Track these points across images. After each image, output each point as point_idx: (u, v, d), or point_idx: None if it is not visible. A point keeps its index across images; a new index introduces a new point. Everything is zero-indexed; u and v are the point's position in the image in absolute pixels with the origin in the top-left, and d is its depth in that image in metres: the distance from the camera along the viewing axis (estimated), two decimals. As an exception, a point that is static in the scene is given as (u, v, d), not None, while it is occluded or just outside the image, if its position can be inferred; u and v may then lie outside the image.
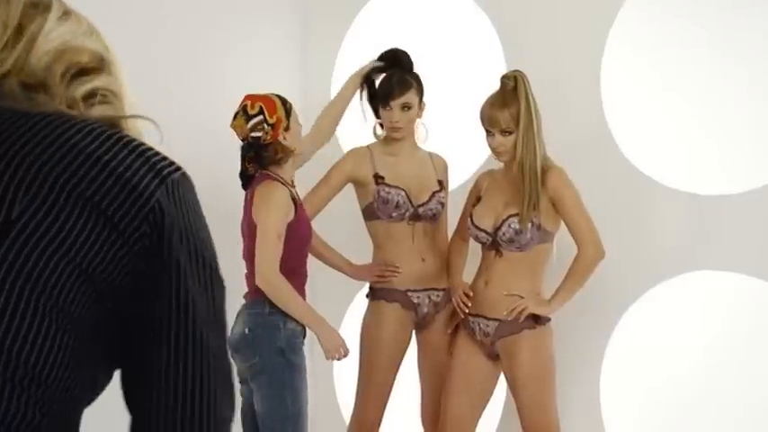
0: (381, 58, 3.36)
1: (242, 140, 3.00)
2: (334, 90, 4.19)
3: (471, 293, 3.16)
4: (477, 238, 3.13)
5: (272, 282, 2.91)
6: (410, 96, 3.23)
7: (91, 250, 0.87)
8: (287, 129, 2.99)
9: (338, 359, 3.12)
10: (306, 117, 4.34)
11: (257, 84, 4.04)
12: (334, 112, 3.40)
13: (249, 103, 2.99)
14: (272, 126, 2.95)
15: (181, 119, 3.60)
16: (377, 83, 3.35)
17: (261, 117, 2.94)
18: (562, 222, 3.05)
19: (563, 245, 3.09)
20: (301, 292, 3.05)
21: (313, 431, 4.37)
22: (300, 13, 4.31)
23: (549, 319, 3.09)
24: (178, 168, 0.93)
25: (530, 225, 2.99)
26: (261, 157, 2.97)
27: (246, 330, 2.96)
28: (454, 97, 3.77)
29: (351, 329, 3.50)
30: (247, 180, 3.02)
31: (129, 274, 0.89)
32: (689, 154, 3.27)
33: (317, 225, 3.30)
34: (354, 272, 3.44)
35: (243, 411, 3.13)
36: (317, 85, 4.23)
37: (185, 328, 0.91)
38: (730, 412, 3.21)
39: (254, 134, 2.95)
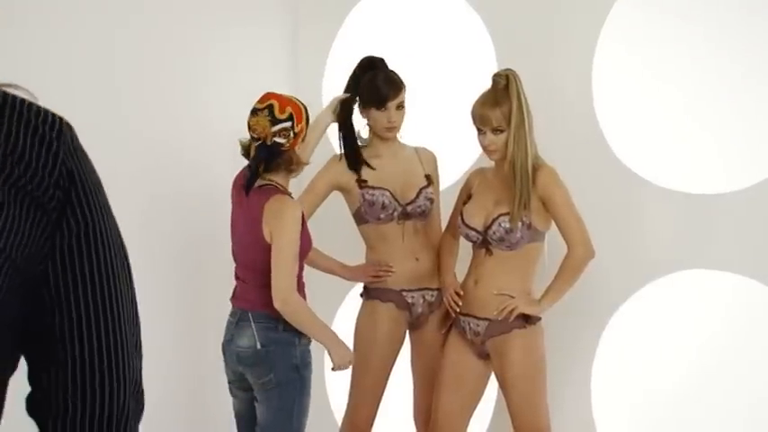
0: (359, 71, 3.28)
1: (254, 138, 2.86)
2: (326, 90, 4.20)
3: (462, 292, 3.16)
4: (467, 237, 3.13)
5: (290, 303, 2.84)
6: (402, 95, 3.23)
7: (17, 237, 0.86)
8: (303, 140, 2.91)
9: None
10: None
11: (248, 84, 4.04)
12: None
13: (278, 105, 2.84)
14: (296, 135, 2.85)
15: (174, 119, 3.61)
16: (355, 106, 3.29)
17: (289, 124, 2.83)
18: (552, 221, 3.05)
19: (554, 244, 3.09)
20: None
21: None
22: (291, 12, 4.30)
23: (539, 319, 3.09)
24: (61, 118, 0.92)
25: (520, 224, 2.98)
26: (274, 163, 2.86)
27: (259, 346, 2.89)
28: (445, 96, 3.77)
29: (342, 330, 3.49)
30: (252, 184, 2.89)
31: (47, 249, 0.89)
32: (679, 153, 3.28)
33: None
34: (348, 274, 3.43)
35: (238, 416, 3.10)
36: (308, 85, 4.22)
37: (106, 278, 0.92)
38: (721, 411, 3.21)
39: (276, 139, 2.83)
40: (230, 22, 3.95)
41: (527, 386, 3.05)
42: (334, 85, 4.23)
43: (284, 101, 2.87)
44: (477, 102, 3.01)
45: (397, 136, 3.32)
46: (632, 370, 3.43)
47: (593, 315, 3.42)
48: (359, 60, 3.32)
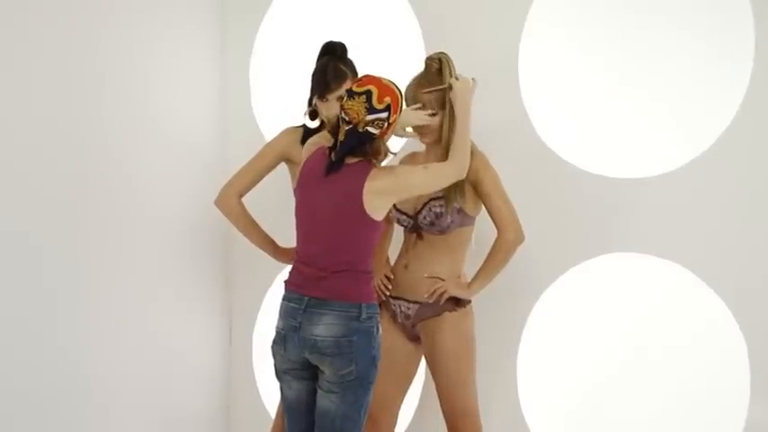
0: (318, 56, 3.22)
1: (345, 121, 2.74)
2: (253, 75, 4.16)
3: (392, 276, 3.16)
4: (398, 221, 3.13)
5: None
6: (346, 87, 3.13)
7: None
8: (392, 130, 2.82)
9: None
10: (224, 105, 4.28)
11: (175, 70, 3.98)
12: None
13: (377, 92, 2.71)
14: (389, 125, 2.75)
15: (96, 113, 3.54)
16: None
17: (385, 115, 2.71)
18: (482, 206, 3.07)
19: (485, 228, 3.11)
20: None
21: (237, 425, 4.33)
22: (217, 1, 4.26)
23: (469, 302, 3.11)
24: None
25: (451, 209, 3.00)
26: (363, 150, 2.75)
27: (342, 336, 2.76)
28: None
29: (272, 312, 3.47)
30: (336, 168, 2.77)
31: None
32: (605, 138, 3.33)
33: (251, 204, 3.32)
34: (277, 254, 3.40)
35: (292, 406, 2.94)
36: (235, 75, 4.19)
37: None
38: (646, 392, 3.28)
39: (369, 128, 2.71)
40: (155, 8, 3.87)
41: (456, 369, 3.07)
42: (260, 72, 4.20)
43: (384, 89, 2.73)
44: (411, 84, 3.01)
45: None
46: (557, 353, 3.48)
47: (519, 298, 3.45)
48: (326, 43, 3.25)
